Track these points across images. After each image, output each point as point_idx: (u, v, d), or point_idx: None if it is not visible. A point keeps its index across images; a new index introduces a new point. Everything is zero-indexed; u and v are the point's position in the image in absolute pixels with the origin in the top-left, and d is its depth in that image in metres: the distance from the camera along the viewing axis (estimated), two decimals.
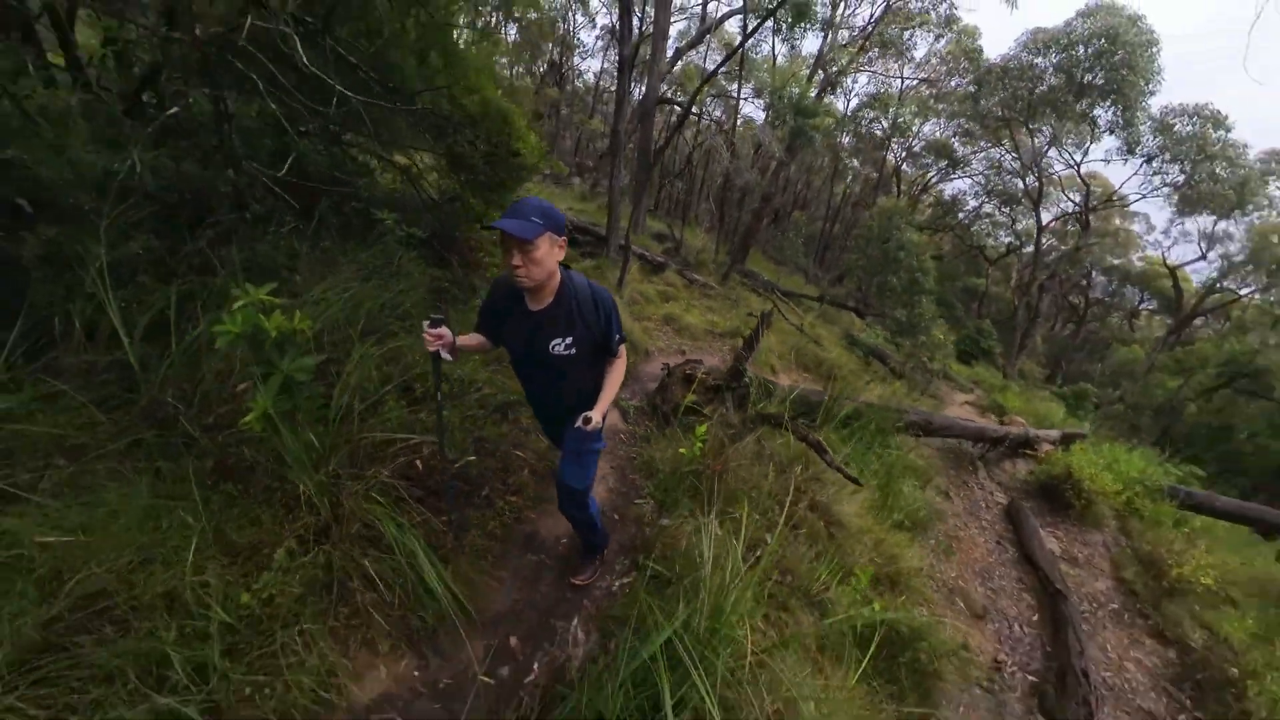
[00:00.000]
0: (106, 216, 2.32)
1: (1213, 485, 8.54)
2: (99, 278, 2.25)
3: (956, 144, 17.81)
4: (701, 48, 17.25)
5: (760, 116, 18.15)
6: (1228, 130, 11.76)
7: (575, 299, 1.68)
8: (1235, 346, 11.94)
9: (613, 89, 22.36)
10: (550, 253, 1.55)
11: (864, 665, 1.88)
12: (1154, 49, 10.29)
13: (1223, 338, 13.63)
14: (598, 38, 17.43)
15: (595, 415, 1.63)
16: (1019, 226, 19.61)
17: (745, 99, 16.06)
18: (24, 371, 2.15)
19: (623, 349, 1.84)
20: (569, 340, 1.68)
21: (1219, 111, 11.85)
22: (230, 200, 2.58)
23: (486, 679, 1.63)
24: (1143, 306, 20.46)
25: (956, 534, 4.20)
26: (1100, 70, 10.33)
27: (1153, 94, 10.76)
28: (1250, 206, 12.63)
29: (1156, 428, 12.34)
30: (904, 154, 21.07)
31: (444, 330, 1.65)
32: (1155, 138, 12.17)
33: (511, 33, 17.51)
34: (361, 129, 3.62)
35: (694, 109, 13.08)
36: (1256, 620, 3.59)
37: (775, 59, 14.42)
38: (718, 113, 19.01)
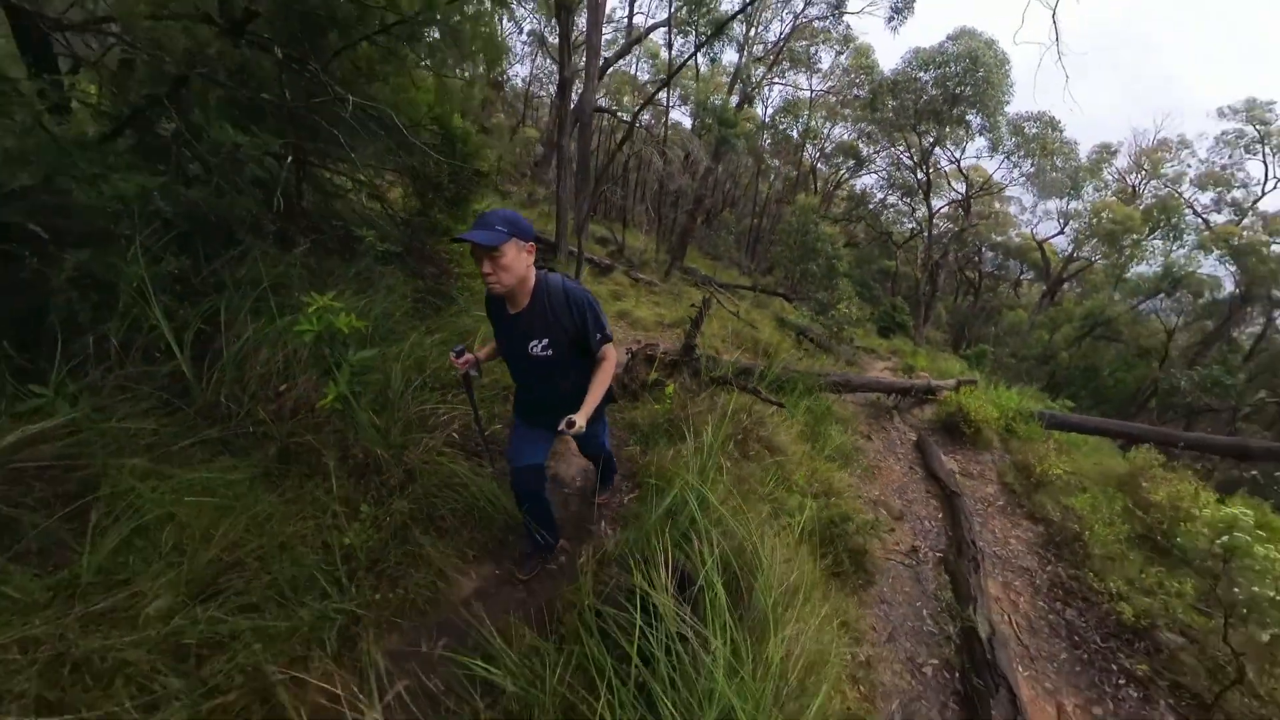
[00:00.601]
0: (139, 240, 2.62)
1: (1085, 413, 10.33)
2: (140, 298, 2.56)
3: (861, 145, 19.84)
4: (628, 56, 18.25)
5: (688, 122, 19.45)
6: (1060, 131, 14.60)
7: (549, 300, 1.71)
8: (1091, 303, 14.33)
9: (540, 95, 22.87)
10: (518, 258, 1.59)
11: (807, 530, 2.61)
12: (1006, 67, 12.37)
13: (1082, 297, 16.25)
14: (525, 44, 17.90)
15: (579, 418, 1.62)
16: (918, 214, 22.02)
17: (673, 106, 17.16)
18: (77, 386, 2.41)
19: (608, 349, 1.80)
20: (545, 342, 1.72)
21: (1055, 118, 14.72)
22: (249, 224, 2.94)
23: (551, 566, 2.20)
24: (1023, 276, 23.61)
25: (877, 464, 5.14)
26: (968, 85, 12.24)
27: (1008, 103, 12.98)
28: (1089, 189, 15.48)
29: (1043, 374, 14.49)
30: (818, 154, 23.11)
31: (468, 355, 1.88)
32: (1012, 138, 14.79)
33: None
34: (338, 153, 4.00)
35: (624, 116, 13.93)
36: (1094, 495, 4.76)
37: (698, 69, 15.56)
38: (646, 116, 20.07)
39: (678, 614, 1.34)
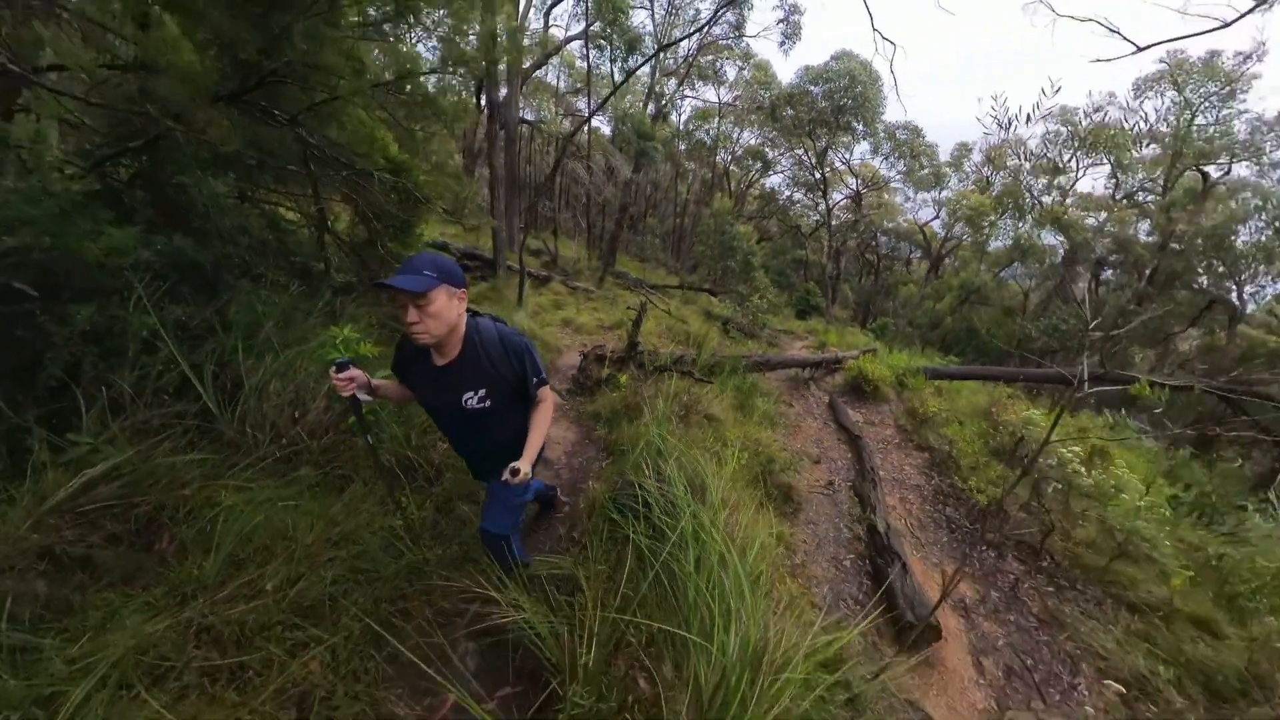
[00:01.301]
0: (142, 291, 2.88)
1: (970, 365, 12.27)
2: (148, 345, 2.85)
3: (767, 149, 21.73)
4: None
5: (607, 129, 20.35)
6: (922, 136, 18.10)
7: (483, 349, 1.61)
8: (964, 275, 16.85)
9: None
10: (449, 305, 1.49)
11: (741, 467, 3.40)
12: (879, 84, 14.42)
13: (958, 270, 19.03)
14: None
15: (523, 466, 1.55)
16: (820, 208, 24.31)
17: (596, 118, 17.97)
18: (112, 430, 2.44)
19: (545, 391, 1.74)
20: (482, 393, 1.62)
21: (918, 126, 17.75)
22: (236, 267, 3.28)
23: (559, 514, 2.82)
24: (912, 255, 26.75)
25: (797, 424, 6.13)
26: (849, 98, 14.13)
27: (883, 113, 15.17)
28: (954, 181, 18.53)
29: (935, 337, 16.72)
30: (729, 158, 24.89)
31: (355, 372, 1.63)
32: (887, 143, 17.28)
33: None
34: (295, 189, 4.30)
35: (548, 129, 14.53)
36: (962, 425, 6.02)
37: (614, 80, 16.42)
38: (565, 123, 20.77)
39: (659, 491, 2.03)
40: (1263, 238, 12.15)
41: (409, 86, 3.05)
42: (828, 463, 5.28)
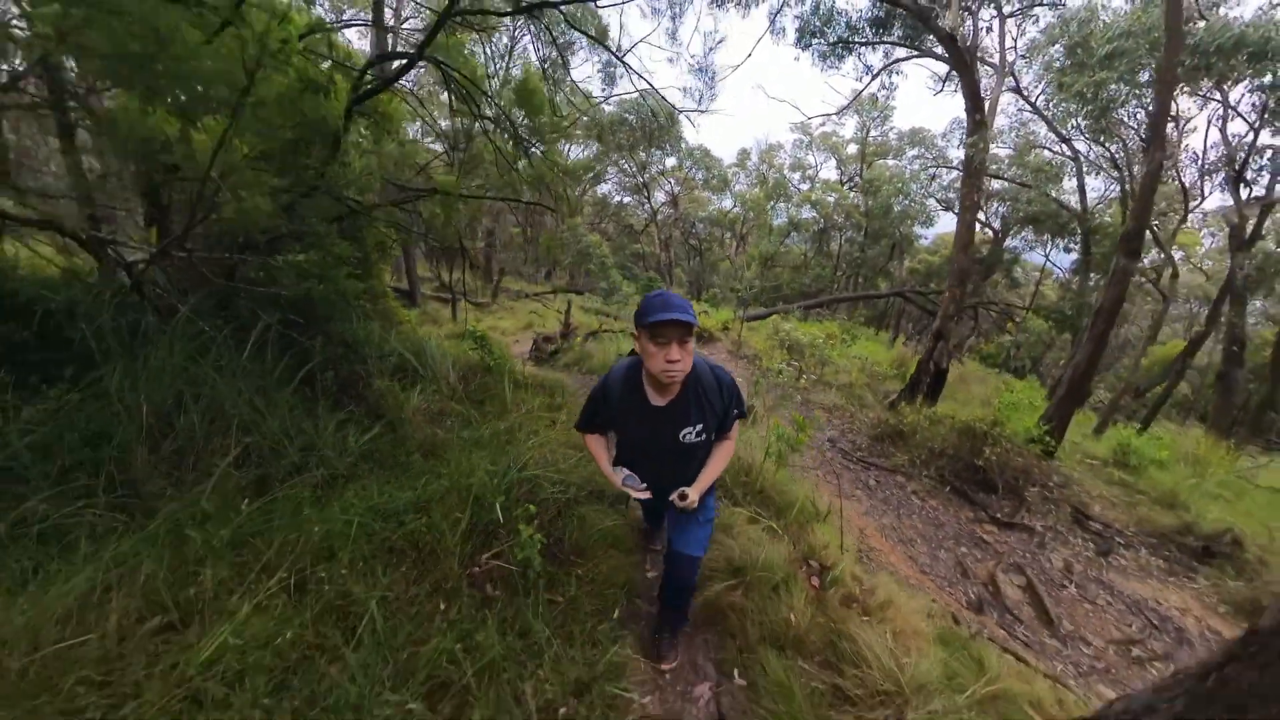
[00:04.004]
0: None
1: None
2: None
3: (595, 164, 25.36)
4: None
5: None
6: (709, 153, 23.75)
7: (701, 384, 1.64)
8: (761, 247, 22.66)
9: None
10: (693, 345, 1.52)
11: None
12: (677, 114, 18.90)
13: (756, 243, 25.20)
14: None
15: (693, 494, 1.62)
16: (646, 207, 28.86)
17: None
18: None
19: (736, 426, 1.78)
20: (699, 428, 1.65)
21: (708, 148, 23.43)
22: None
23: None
24: (727, 235, 33.14)
25: None
26: (654, 126, 18.30)
27: (681, 138, 19.92)
28: (740, 179, 24.68)
29: (752, 296, 22.19)
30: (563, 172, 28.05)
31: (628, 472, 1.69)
32: (686, 159, 22.42)
33: None
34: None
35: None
36: (770, 340, 10.07)
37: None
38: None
39: None
40: (910, 203, 19.68)
41: None
42: None
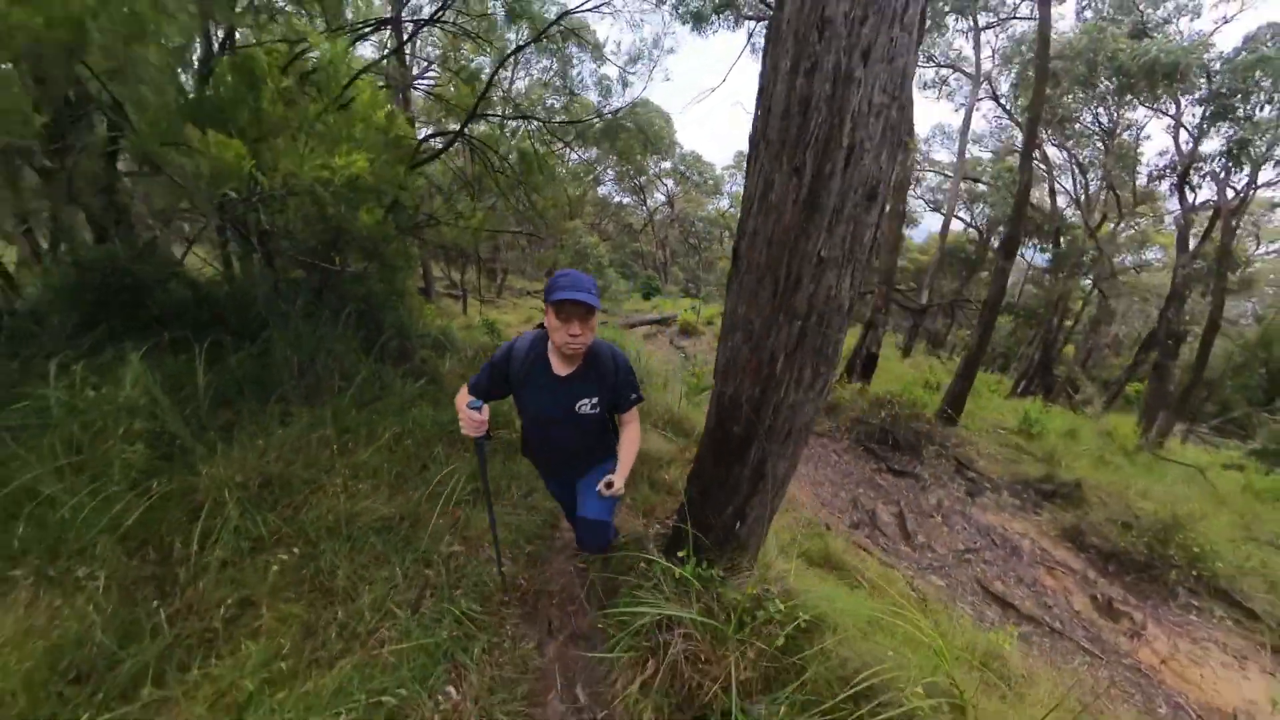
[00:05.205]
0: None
1: None
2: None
3: (594, 165, 26.70)
4: None
5: None
6: (701, 158, 24.71)
7: (599, 362, 1.76)
8: None
9: None
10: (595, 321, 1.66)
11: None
12: (671, 124, 20.22)
13: None
14: None
15: (618, 481, 1.68)
16: (644, 208, 30.19)
17: None
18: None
19: (635, 410, 1.85)
20: (594, 400, 1.76)
21: (699, 154, 24.68)
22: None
23: None
24: (723, 234, 34.35)
25: (653, 352, 10.95)
26: (649, 134, 19.66)
27: (678, 145, 21.28)
28: (738, 177, 25.91)
29: None
30: (565, 173, 29.49)
31: (487, 410, 1.70)
32: (682, 163, 23.76)
33: None
34: None
35: None
36: None
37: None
38: None
39: None
40: None
41: None
42: (674, 365, 10.14)
